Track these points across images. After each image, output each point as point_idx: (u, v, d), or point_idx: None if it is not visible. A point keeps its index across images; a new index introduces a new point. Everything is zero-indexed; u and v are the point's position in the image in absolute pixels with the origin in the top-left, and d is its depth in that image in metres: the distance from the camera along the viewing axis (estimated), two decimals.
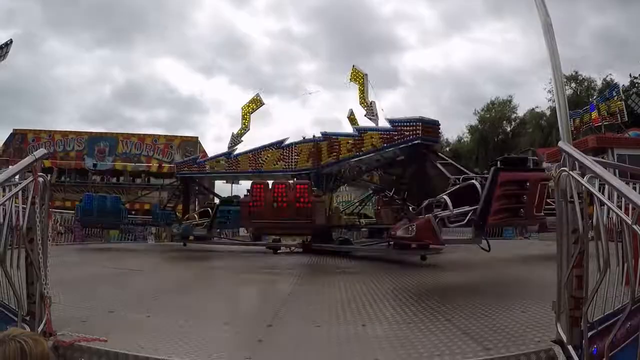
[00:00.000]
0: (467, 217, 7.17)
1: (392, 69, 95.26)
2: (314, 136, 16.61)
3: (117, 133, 42.94)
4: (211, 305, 6.18)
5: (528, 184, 7.29)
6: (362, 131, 13.94)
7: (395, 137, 12.26)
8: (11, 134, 40.36)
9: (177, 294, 7.03)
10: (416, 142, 11.58)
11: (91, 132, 42.99)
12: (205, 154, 27.56)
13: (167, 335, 4.01)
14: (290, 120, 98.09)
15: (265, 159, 17.20)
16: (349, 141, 14.11)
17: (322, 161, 15.35)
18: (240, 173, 18.61)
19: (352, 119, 19.72)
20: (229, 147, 18.45)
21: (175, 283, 8.31)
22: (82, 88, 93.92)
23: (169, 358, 3.31)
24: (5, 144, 39.81)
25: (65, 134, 41.55)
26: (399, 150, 12.61)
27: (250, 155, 17.62)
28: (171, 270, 11.08)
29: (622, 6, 71.95)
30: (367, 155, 13.49)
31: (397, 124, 12.36)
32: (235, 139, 18.46)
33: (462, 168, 10.66)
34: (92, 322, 4.37)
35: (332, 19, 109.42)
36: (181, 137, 44.64)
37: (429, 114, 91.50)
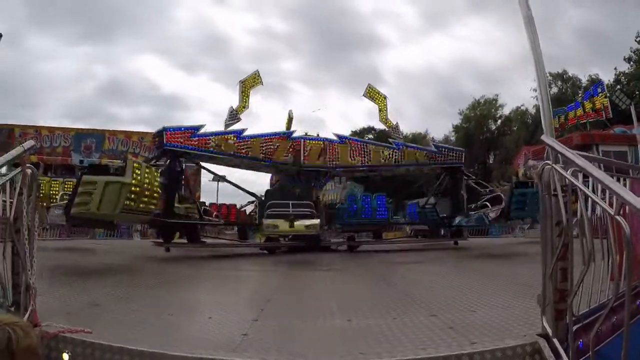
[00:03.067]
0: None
1: (373, 67, 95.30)
2: (317, 135, 18.60)
3: (103, 130, 42.54)
4: (196, 300, 6.17)
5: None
6: (402, 146, 18.05)
7: (439, 158, 18.02)
8: None
9: (162, 289, 7.00)
10: (459, 165, 18.09)
11: (78, 129, 42.54)
12: None
13: (152, 328, 4.00)
14: (272, 119, 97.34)
15: (276, 147, 16.34)
16: (384, 151, 17.82)
17: (339, 161, 17.22)
18: (251, 159, 16.40)
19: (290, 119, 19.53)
20: (226, 124, 16.14)
21: (160, 279, 8.27)
22: (65, 84, 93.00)
23: (153, 350, 3.28)
24: None
25: (51, 129, 41.14)
26: (441, 168, 18.32)
27: (262, 141, 16.26)
28: (156, 268, 10.99)
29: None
30: (410, 166, 18.42)
31: (442, 148, 18.63)
32: (234, 115, 16.33)
33: (483, 183, 19.24)
34: (76, 315, 4.34)
35: (313, 17, 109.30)
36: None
37: (413, 112, 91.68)
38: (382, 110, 18.24)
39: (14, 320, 1.78)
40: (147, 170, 10.18)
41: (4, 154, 3.76)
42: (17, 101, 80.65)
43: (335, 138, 17.73)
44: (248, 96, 16.88)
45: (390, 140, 18.29)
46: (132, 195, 9.45)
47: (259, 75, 17.54)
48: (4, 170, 3.77)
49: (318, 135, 17.93)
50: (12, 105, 78.58)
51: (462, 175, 18.12)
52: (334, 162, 17.05)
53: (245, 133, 16.19)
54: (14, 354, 1.63)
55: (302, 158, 16.59)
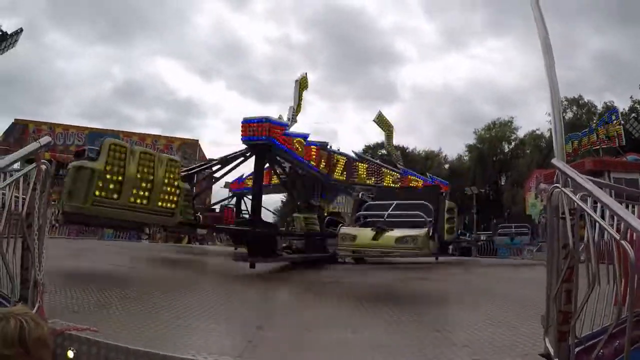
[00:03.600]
0: None
1: (389, 83, 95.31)
2: (338, 149, 17.65)
3: (118, 130, 42.78)
4: (204, 306, 6.20)
5: None
6: (408, 173, 19.79)
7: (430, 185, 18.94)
8: (12, 123, 40.27)
9: (169, 293, 7.04)
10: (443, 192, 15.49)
11: (92, 128, 42.88)
12: (205, 158, 26.45)
13: (157, 331, 4.04)
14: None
15: (313, 155, 14.68)
16: (393, 174, 19.01)
17: (357, 179, 17.55)
18: (332, 181, 16.34)
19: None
20: (288, 126, 13.86)
21: (170, 283, 8.31)
22: (82, 83, 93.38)
23: (157, 352, 3.32)
24: (5, 133, 39.70)
25: (66, 127, 41.52)
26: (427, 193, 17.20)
27: (314, 149, 14.71)
28: (166, 270, 11.03)
29: (623, 28, 72.24)
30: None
31: (436, 181, 20.39)
32: (293, 118, 16.01)
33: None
34: (83, 314, 4.40)
35: (331, 29, 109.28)
36: (182, 139, 44.63)
37: (426, 130, 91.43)
38: (390, 138, 19.14)
39: (25, 311, 1.80)
40: (144, 158, 8.32)
41: (17, 150, 3.80)
42: (33, 96, 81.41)
43: (353, 155, 18.07)
44: (302, 99, 16.91)
45: (399, 166, 19.63)
46: (110, 185, 7.78)
47: (307, 78, 17.77)
48: (16, 165, 3.80)
49: (339, 149, 17.78)
50: (28, 100, 79.33)
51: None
52: (354, 179, 17.42)
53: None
54: (25, 344, 1.66)
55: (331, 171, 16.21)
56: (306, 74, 17.62)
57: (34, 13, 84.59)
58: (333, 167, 16.31)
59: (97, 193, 7.61)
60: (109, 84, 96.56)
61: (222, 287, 8.37)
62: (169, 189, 8.68)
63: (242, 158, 12.79)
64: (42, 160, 3.71)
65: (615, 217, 2.88)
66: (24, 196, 3.59)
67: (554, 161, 3.75)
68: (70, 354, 3.35)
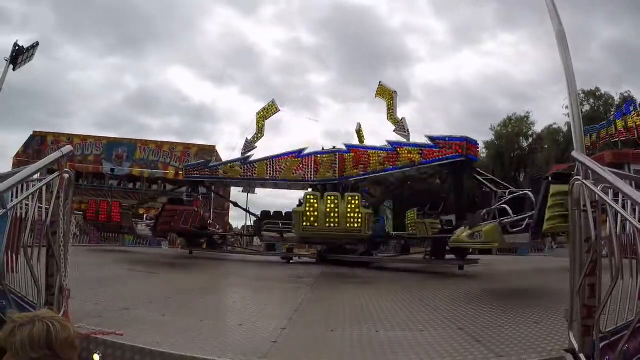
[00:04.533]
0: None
1: (403, 82, 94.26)
2: (333, 147, 17.25)
3: (135, 139, 43.14)
4: (226, 307, 6.25)
5: None
6: (397, 145, 14.93)
7: (436, 154, 13.81)
8: (31, 135, 40.84)
9: (191, 295, 7.10)
10: (461, 159, 13.28)
11: (110, 137, 43.30)
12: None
13: (182, 333, 4.07)
14: (301, 132, 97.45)
15: (284, 166, 16.93)
16: (381, 154, 15.14)
17: (345, 172, 15.87)
18: (256, 180, 17.94)
19: (359, 133, 20.33)
20: (242, 153, 17.92)
21: (190, 286, 8.38)
22: (96, 93, 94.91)
23: (183, 354, 3.36)
24: (24, 145, 40.30)
25: (84, 138, 41.96)
26: (439, 166, 14.42)
27: (267, 163, 17.23)
28: (186, 274, 11.11)
29: (637, 16, 70.89)
30: (404, 169, 14.79)
31: (439, 140, 13.89)
32: (249, 145, 17.98)
33: (501, 182, 14.10)
34: (107, 318, 4.46)
35: (342, 31, 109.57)
36: (198, 145, 44.80)
37: (442, 128, 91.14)
38: (390, 106, 16.86)
39: (52, 314, 1.84)
40: (329, 199, 12.77)
41: (36, 162, 3.87)
42: (49, 109, 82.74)
43: (344, 148, 16.68)
44: (263, 126, 18.16)
45: (387, 141, 15.89)
46: (311, 218, 12.71)
47: (275, 105, 18.66)
48: (36, 176, 3.86)
49: (334, 147, 17.30)
50: (45, 112, 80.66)
51: (467, 172, 14.30)
52: (343, 173, 16.13)
53: (255, 158, 17.52)
54: (52, 347, 1.69)
55: (311, 173, 16.52)
56: (274, 100, 18.81)
57: (46, 28, 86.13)
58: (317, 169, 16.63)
59: (304, 224, 12.82)
60: (122, 94, 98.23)
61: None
62: (353, 214, 12.66)
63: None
64: (65, 169, 3.78)
65: (638, 209, 2.85)
66: (47, 205, 3.65)
67: (574, 154, 3.72)
68: (97, 357, 3.42)
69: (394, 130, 16.50)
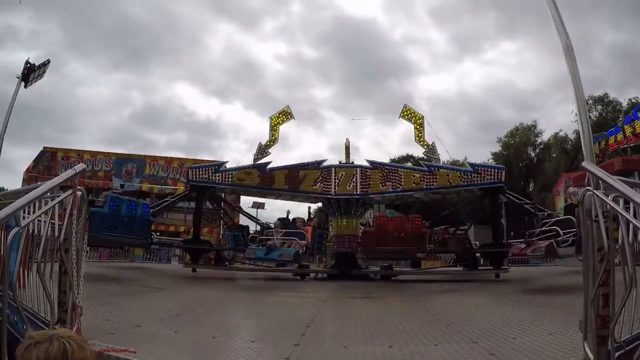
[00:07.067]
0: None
1: (406, 94, 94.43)
2: (352, 162, 17.79)
3: (144, 155, 43.29)
4: (238, 324, 6.24)
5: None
6: (433, 168, 16.52)
7: (475, 178, 15.86)
8: (41, 151, 41.06)
9: (203, 312, 7.10)
10: (500, 185, 15.65)
11: (119, 153, 43.46)
12: None
13: (194, 351, 4.07)
14: (306, 146, 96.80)
15: (304, 177, 16.70)
16: (415, 174, 16.69)
17: (370, 188, 16.72)
18: (275, 190, 17.17)
19: (347, 148, 19.65)
20: (254, 159, 17.12)
21: (201, 302, 8.37)
22: (103, 109, 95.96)
23: None
24: (35, 160, 40.55)
25: (94, 154, 42.09)
26: (478, 190, 16.29)
27: (287, 172, 16.80)
28: (197, 290, 11.10)
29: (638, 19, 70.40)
30: (442, 190, 16.72)
31: (479, 167, 16.47)
32: (263, 150, 17.22)
33: (536, 205, 16.44)
34: (119, 334, 4.47)
35: (343, 45, 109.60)
36: (207, 161, 44.92)
37: (449, 140, 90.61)
38: (418, 130, 17.56)
39: (69, 334, 1.84)
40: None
41: (47, 177, 3.90)
42: (58, 125, 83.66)
43: (367, 164, 17.32)
44: (277, 131, 17.72)
45: (422, 163, 17.39)
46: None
47: (289, 110, 18.23)
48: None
49: (353, 162, 17.60)
50: (54, 128, 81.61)
51: (503, 197, 15.98)
52: (366, 189, 16.72)
53: (273, 165, 17.00)
54: None
55: (333, 186, 16.54)
56: (288, 106, 18.36)
57: (54, 44, 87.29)
58: (338, 183, 16.78)
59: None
60: (129, 110, 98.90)
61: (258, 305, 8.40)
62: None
63: None
64: (78, 187, 3.81)
65: None
66: (60, 222, 3.67)
67: (584, 164, 3.71)
68: None
69: (423, 153, 17.86)
